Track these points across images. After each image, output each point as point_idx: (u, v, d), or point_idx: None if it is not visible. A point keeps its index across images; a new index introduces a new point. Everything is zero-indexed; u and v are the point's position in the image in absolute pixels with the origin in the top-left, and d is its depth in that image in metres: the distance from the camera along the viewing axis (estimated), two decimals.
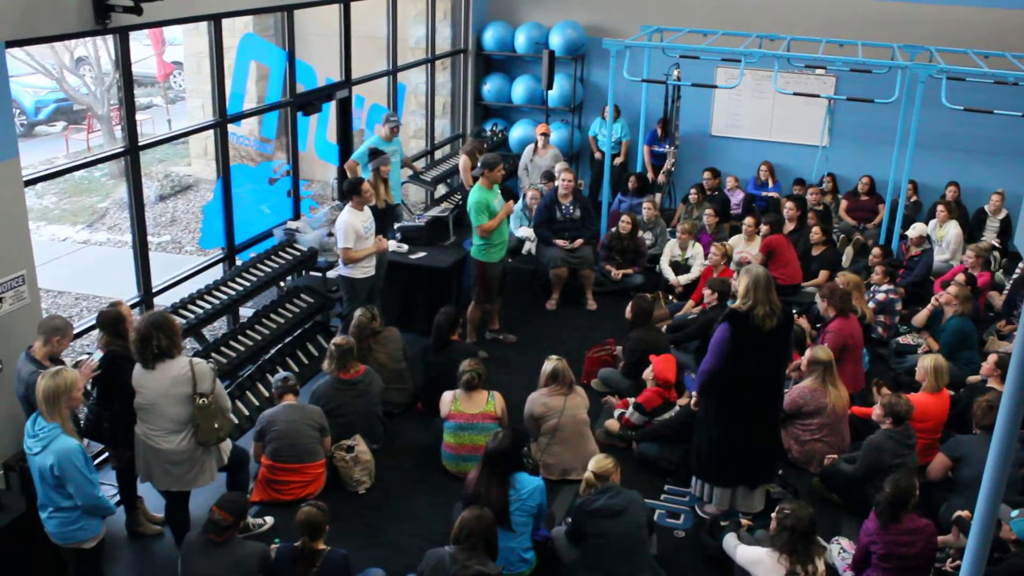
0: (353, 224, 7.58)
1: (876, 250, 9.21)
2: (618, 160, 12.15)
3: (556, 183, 9.82)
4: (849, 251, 10.62)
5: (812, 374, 6.73)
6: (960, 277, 8.68)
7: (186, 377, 5.21)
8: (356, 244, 7.61)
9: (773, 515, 5.04)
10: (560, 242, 9.53)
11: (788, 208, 10.16)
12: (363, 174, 8.80)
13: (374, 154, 8.44)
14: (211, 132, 8.22)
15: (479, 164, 8.36)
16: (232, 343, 7.23)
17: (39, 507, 4.90)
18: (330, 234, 8.71)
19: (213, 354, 6.99)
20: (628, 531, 5.27)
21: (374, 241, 7.79)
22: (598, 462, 5.46)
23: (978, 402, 6.20)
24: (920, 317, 8.42)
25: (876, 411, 6.27)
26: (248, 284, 7.75)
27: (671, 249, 9.95)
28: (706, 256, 9.51)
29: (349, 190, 7.72)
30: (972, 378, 7.45)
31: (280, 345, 7.62)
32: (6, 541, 5.26)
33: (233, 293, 7.58)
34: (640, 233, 10.16)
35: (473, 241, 8.29)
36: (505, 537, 5.34)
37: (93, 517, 4.89)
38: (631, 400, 7.09)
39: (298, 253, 8.47)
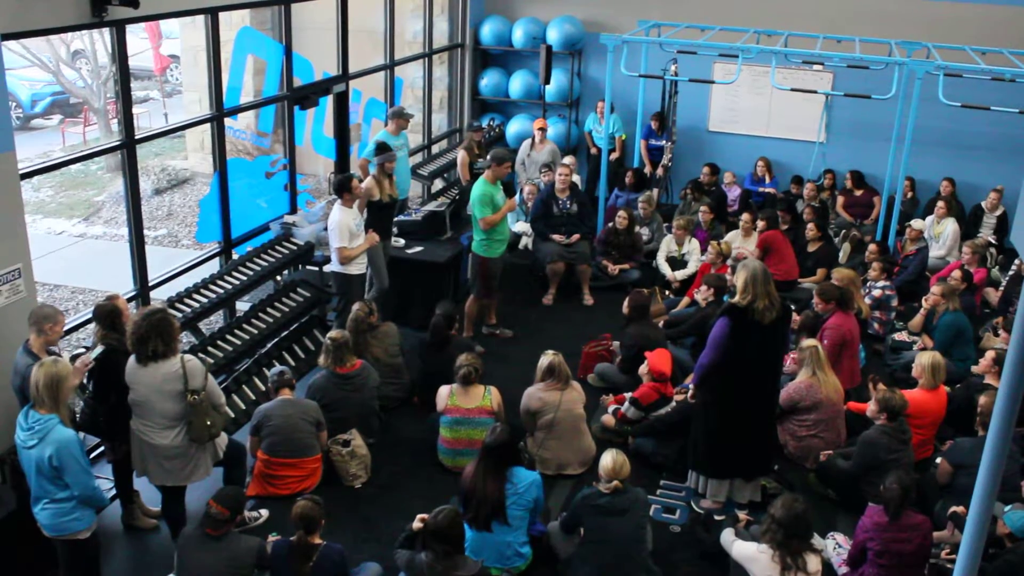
0: (346, 222, 7.56)
1: (872, 246, 9.22)
2: (614, 156, 12.15)
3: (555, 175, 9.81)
4: (846, 247, 10.64)
5: (804, 367, 6.75)
6: (956, 274, 8.71)
7: (177, 374, 5.19)
8: (350, 242, 7.60)
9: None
10: (557, 237, 9.53)
11: (780, 215, 10.15)
12: (373, 171, 8.79)
13: (382, 148, 8.44)
14: (208, 126, 8.20)
15: (488, 157, 8.35)
16: (229, 337, 7.22)
17: (32, 500, 4.91)
18: (326, 228, 8.71)
19: (209, 348, 6.98)
20: (628, 531, 5.28)
21: (366, 237, 7.78)
22: (618, 455, 5.40)
23: (986, 403, 6.17)
24: (915, 322, 8.43)
25: (871, 407, 6.28)
26: (245, 278, 7.74)
27: (668, 245, 9.95)
28: (703, 252, 9.52)
29: (339, 188, 7.68)
30: (977, 368, 7.45)
31: (276, 339, 7.61)
32: None
33: (230, 287, 7.57)
34: (637, 228, 10.17)
35: (474, 236, 8.28)
36: (501, 531, 5.36)
37: (87, 508, 4.92)
38: (627, 395, 7.10)
39: (295, 247, 8.47)
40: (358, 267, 7.78)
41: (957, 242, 10.22)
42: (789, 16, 11.45)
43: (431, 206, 9.83)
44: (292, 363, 7.46)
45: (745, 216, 9.98)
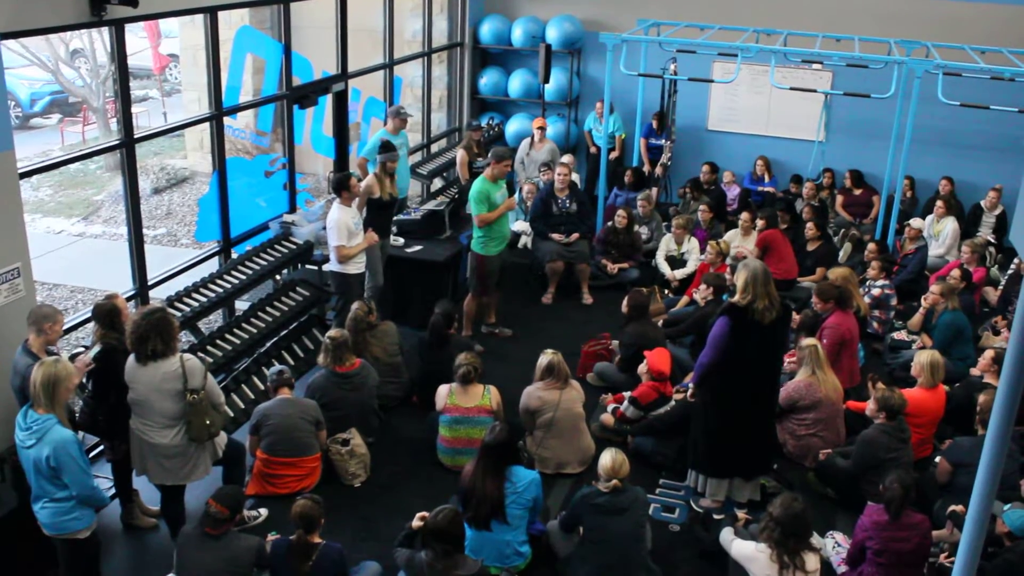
0: (345, 221, 7.56)
1: (872, 245, 9.22)
2: (613, 155, 12.15)
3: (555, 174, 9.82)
4: (846, 247, 10.64)
5: (803, 366, 6.76)
6: (955, 272, 8.70)
7: (176, 374, 5.19)
8: (348, 241, 7.60)
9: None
10: (556, 236, 9.53)
11: (780, 214, 10.15)
12: (372, 170, 8.79)
13: (386, 147, 8.45)
14: (207, 125, 8.19)
15: (489, 154, 8.36)
16: (228, 336, 7.21)
17: (32, 499, 4.92)
18: (325, 227, 8.71)
19: (208, 347, 6.98)
20: (627, 530, 5.28)
21: (364, 236, 7.78)
22: (617, 454, 5.39)
23: (985, 401, 6.17)
24: (915, 321, 8.43)
25: (870, 406, 6.28)
26: (244, 277, 7.74)
27: (667, 244, 9.95)
28: (702, 251, 9.52)
29: (338, 186, 7.68)
30: (974, 371, 7.46)
31: (276, 338, 7.61)
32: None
33: (229, 286, 7.57)
34: (636, 227, 10.17)
35: (472, 233, 8.29)
36: (501, 530, 5.36)
37: (87, 507, 4.92)
38: (626, 394, 7.10)
39: (294, 246, 8.47)
40: (356, 266, 7.78)
41: (956, 241, 10.23)
42: (788, 15, 11.45)
43: (430, 205, 9.83)
44: (291, 362, 7.45)
45: (744, 215, 9.97)
